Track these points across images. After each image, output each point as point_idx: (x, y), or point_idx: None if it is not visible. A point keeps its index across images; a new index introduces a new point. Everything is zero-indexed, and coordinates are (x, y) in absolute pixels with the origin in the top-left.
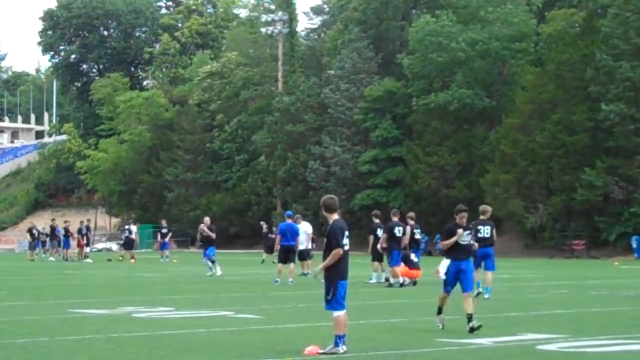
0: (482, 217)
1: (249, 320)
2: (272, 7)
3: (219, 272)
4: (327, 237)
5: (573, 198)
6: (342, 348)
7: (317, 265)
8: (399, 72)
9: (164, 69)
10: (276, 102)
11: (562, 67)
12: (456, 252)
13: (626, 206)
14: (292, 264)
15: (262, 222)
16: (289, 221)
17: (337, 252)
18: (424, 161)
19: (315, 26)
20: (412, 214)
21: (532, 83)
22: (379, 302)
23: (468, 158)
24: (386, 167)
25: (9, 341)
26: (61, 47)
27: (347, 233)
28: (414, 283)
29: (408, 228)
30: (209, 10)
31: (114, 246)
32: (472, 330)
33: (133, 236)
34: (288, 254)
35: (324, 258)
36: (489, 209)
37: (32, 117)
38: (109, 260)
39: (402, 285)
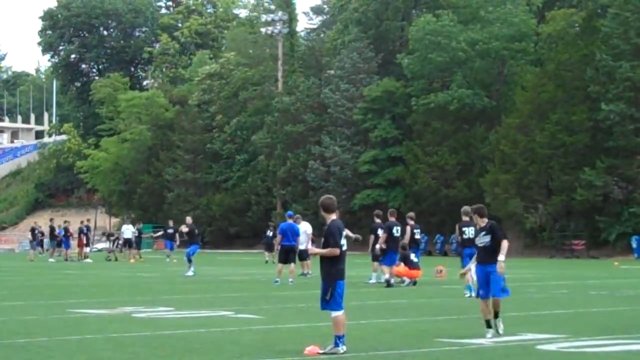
0: (465, 218)
1: (249, 320)
2: (272, 7)
3: (189, 273)
4: (324, 237)
5: (573, 198)
6: (342, 348)
7: (316, 266)
8: (399, 72)
9: (163, 69)
10: (276, 102)
11: (562, 67)
12: (479, 256)
13: (626, 206)
14: (292, 264)
15: (270, 223)
16: (290, 221)
17: (333, 251)
18: (424, 161)
19: (315, 26)
20: (412, 214)
21: (532, 83)
22: (379, 302)
23: (468, 158)
24: (386, 167)
25: (9, 341)
26: (61, 47)
27: (344, 233)
28: (414, 283)
29: (408, 228)
30: (208, 10)
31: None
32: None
33: (127, 236)
34: (288, 254)
35: (320, 259)
36: (470, 209)
37: (32, 117)
38: (109, 260)
39: (389, 285)
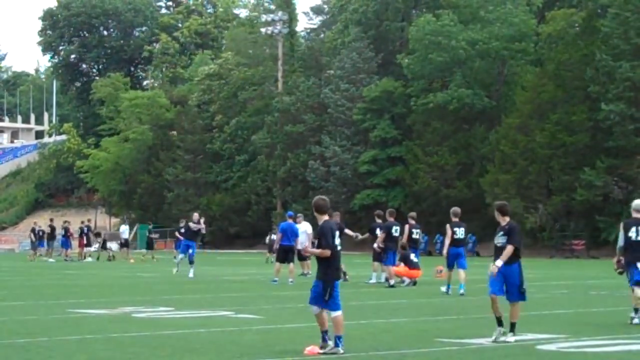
0: (455, 219)
1: (249, 320)
2: (272, 7)
3: (174, 271)
4: (317, 238)
5: (573, 198)
6: (342, 349)
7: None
8: (399, 73)
9: (163, 69)
10: (276, 102)
11: (562, 67)
12: (496, 255)
13: (626, 206)
14: (291, 264)
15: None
16: (290, 221)
17: (324, 252)
18: (424, 161)
19: (315, 26)
20: (413, 214)
21: (532, 83)
22: (379, 302)
23: (468, 158)
24: (386, 167)
25: (9, 341)
26: (61, 47)
27: (337, 233)
28: (414, 283)
29: (406, 227)
30: (208, 10)
31: (113, 246)
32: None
33: (125, 236)
34: (287, 254)
35: (317, 259)
36: (460, 210)
37: (32, 117)
38: (109, 259)
39: (391, 286)
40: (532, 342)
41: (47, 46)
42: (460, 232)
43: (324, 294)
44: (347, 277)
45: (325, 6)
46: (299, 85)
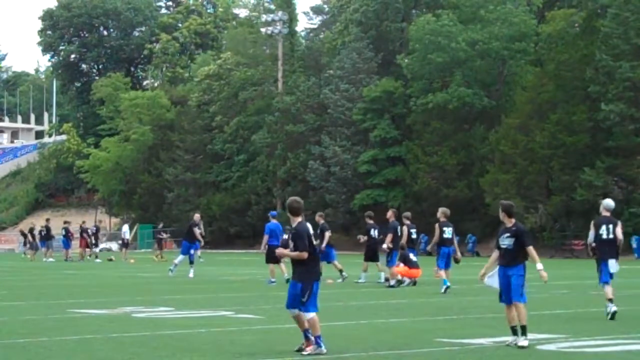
0: (444, 219)
1: (249, 320)
2: (272, 7)
3: (191, 274)
4: (292, 240)
5: (573, 198)
6: (324, 348)
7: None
8: (399, 73)
9: (163, 69)
10: (276, 102)
11: (562, 67)
12: (501, 258)
13: (626, 206)
14: (282, 264)
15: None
16: (275, 221)
17: (301, 255)
18: (424, 161)
19: (315, 26)
20: (407, 214)
21: (532, 83)
22: (379, 302)
23: (468, 158)
24: (385, 167)
25: (9, 341)
26: (61, 47)
27: (310, 233)
28: (414, 283)
29: (405, 228)
30: (208, 10)
31: (114, 246)
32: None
33: (127, 236)
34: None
35: (293, 261)
36: (449, 211)
37: (32, 117)
38: (110, 259)
39: (400, 283)
40: (532, 342)
41: (47, 46)
42: (448, 232)
43: (302, 295)
44: (344, 274)
45: (325, 6)
46: (299, 85)
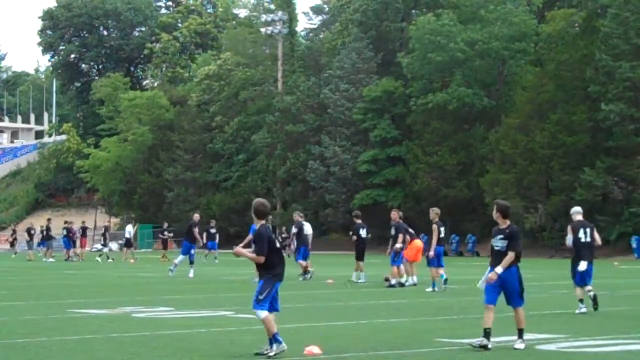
0: (437, 218)
1: (249, 320)
2: (272, 7)
3: (170, 274)
4: (253, 242)
5: (573, 198)
6: (284, 344)
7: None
8: (399, 72)
9: (163, 69)
10: (276, 102)
11: (562, 67)
12: (493, 259)
13: (626, 206)
14: None
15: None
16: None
17: (258, 258)
18: (424, 161)
19: (315, 26)
20: (400, 214)
21: (531, 83)
22: (379, 302)
23: (468, 158)
24: (385, 167)
25: (9, 341)
26: (61, 47)
27: (272, 236)
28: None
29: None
30: (208, 10)
31: (114, 246)
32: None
33: (128, 236)
34: None
35: (258, 264)
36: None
37: (32, 117)
38: (111, 259)
39: (391, 285)
40: (532, 342)
41: (47, 46)
42: (442, 231)
43: (262, 291)
44: (306, 276)
45: (325, 6)
46: (299, 85)
